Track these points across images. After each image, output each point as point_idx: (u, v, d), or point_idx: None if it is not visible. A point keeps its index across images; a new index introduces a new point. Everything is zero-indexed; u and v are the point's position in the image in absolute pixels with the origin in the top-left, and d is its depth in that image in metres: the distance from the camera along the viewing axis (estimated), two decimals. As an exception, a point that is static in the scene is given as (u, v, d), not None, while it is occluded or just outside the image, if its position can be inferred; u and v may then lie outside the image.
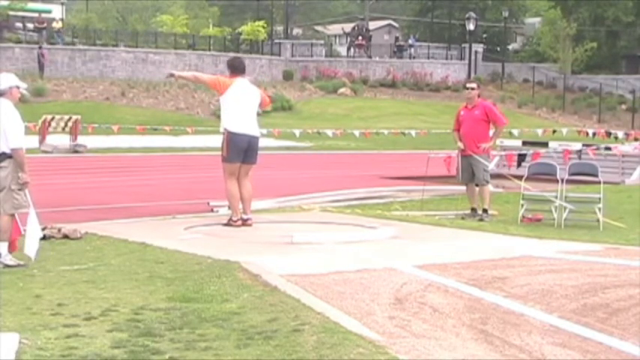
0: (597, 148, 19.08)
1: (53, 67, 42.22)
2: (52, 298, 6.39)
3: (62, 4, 57.06)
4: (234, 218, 10.72)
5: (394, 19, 78.47)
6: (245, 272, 7.29)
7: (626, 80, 51.19)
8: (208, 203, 13.73)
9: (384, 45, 61.33)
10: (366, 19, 68.65)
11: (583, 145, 20.05)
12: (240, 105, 10.84)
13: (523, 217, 12.49)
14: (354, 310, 6.02)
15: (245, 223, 10.72)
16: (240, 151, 10.70)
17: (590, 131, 28.71)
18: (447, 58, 56.57)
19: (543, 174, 13.75)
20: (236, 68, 11.08)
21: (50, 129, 26.24)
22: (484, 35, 61.59)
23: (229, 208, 11.02)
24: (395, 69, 53.72)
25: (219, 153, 10.85)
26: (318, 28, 76.48)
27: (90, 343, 5.14)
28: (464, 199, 13.30)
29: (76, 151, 25.92)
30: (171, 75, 11.71)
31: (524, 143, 22.17)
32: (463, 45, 54.70)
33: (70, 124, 26.58)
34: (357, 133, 29.66)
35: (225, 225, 10.68)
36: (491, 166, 13.86)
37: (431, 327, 5.64)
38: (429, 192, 15.33)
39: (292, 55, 53.15)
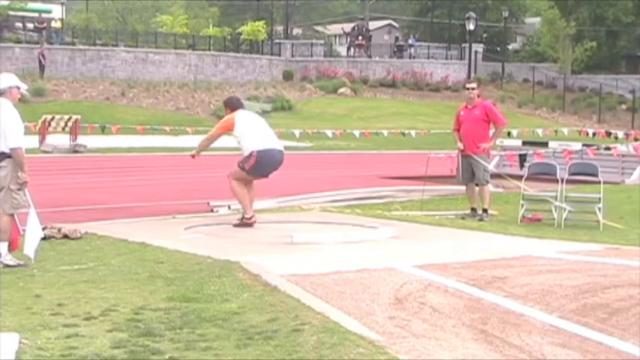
0: (597, 148, 19.08)
1: (53, 67, 42.19)
2: (52, 298, 6.39)
3: (62, 4, 56.95)
4: (247, 215, 10.66)
5: (394, 19, 78.44)
6: (245, 272, 7.29)
7: (626, 80, 51.16)
8: (208, 203, 13.74)
9: (384, 45, 61.29)
10: (366, 19, 68.64)
11: (583, 145, 20.06)
12: (256, 124, 10.88)
13: (523, 217, 12.49)
14: (354, 310, 6.01)
15: (249, 221, 10.70)
16: (266, 170, 10.68)
17: (590, 131, 28.73)
18: (447, 58, 56.55)
19: (543, 174, 13.75)
20: (234, 105, 11.16)
21: (50, 129, 26.25)
22: (484, 35, 61.56)
23: (243, 207, 10.79)
24: (395, 69, 53.70)
25: (240, 163, 10.67)
26: (318, 28, 76.45)
27: (90, 343, 5.13)
28: (464, 199, 13.30)
29: (76, 151, 25.92)
30: (193, 156, 11.50)
31: (524, 143, 22.19)
32: (463, 45, 54.66)
33: (70, 124, 26.59)
34: (357, 133, 29.65)
35: (239, 225, 10.56)
36: (491, 167, 13.85)
37: (431, 327, 5.63)
38: (429, 192, 15.33)
39: (292, 55, 53.15)
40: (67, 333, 5.35)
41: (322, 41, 61.60)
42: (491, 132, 13.02)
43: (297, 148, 29.37)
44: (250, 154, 10.64)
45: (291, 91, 48.06)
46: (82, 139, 26.83)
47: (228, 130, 10.93)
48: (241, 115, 10.98)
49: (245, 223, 10.64)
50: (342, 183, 17.76)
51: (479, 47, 55.89)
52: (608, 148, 19.73)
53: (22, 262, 7.85)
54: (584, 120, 47.96)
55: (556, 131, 29.85)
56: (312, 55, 53.82)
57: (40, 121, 25.64)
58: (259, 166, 10.63)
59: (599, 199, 12.25)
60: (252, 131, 10.78)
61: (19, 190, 7.97)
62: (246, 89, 45.69)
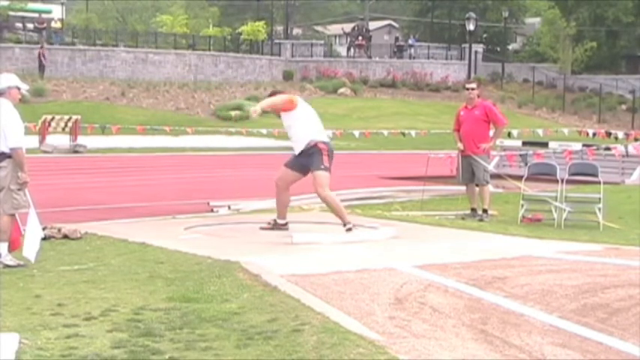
0: (597, 149, 19.08)
1: (53, 67, 42.20)
2: (52, 298, 6.39)
3: (62, 4, 56.94)
4: (282, 222, 10.54)
5: (394, 19, 78.43)
6: (245, 272, 7.29)
7: (626, 80, 51.14)
8: (208, 203, 13.74)
9: (384, 45, 61.28)
10: (366, 19, 68.61)
11: (583, 145, 20.06)
12: (315, 115, 10.65)
13: (523, 217, 12.49)
14: (354, 310, 6.01)
15: (284, 226, 10.55)
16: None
17: (590, 131, 28.73)
18: (446, 58, 56.53)
19: (543, 174, 13.75)
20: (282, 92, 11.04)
21: (50, 129, 26.27)
22: (484, 35, 61.56)
23: (342, 218, 10.26)
24: (395, 69, 53.68)
25: (321, 167, 10.33)
26: (318, 28, 76.46)
27: (90, 343, 5.13)
28: (464, 199, 13.30)
29: (76, 151, 25.93)
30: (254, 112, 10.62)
31: (524, 143, 22.19)
32: (463, 45, 54.64)
33: (69, 124, 26.60)
34: (357, 133, 29.63)
35: (267, 228, 10.42)
36: (491, 167, 13.85)
37: (431, 327, 5.63)
38: (429, 192, 15.33)
39: (292, 55, 53.15)
40: (67, 333, 5.35)
41: (322, 41, 61.60)
42: (491, 132, 13.02)
43: (297, 148, 29.32)
44: (317, 148, 10.29)
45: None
46: (82, 140, 26.83)
47: (289, 109, 10.37)
48: (302, 101, 10.69)
49: (279, 226, 10.48)
50: (342, 183, 17.73)
51: (479, 47, 55.88)
52: (608, 149, 19.72)
53: (21, 263, 7.85)
54: (584, 120, 47.93)
55: (556, 131, 29.84)
56: (312, 55, 53.81)
57: (40, 121, 25.65)
58: (331, 157, 10.48)
59: (599, 199, 12.25)
60: (311, 120, 10.47)
61: (19, 190, 7.98)
62: (246, 89, 45.69)
